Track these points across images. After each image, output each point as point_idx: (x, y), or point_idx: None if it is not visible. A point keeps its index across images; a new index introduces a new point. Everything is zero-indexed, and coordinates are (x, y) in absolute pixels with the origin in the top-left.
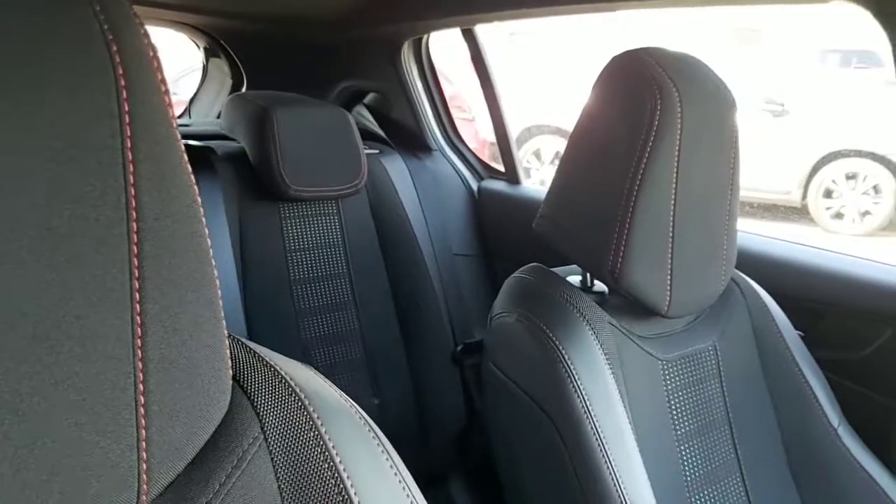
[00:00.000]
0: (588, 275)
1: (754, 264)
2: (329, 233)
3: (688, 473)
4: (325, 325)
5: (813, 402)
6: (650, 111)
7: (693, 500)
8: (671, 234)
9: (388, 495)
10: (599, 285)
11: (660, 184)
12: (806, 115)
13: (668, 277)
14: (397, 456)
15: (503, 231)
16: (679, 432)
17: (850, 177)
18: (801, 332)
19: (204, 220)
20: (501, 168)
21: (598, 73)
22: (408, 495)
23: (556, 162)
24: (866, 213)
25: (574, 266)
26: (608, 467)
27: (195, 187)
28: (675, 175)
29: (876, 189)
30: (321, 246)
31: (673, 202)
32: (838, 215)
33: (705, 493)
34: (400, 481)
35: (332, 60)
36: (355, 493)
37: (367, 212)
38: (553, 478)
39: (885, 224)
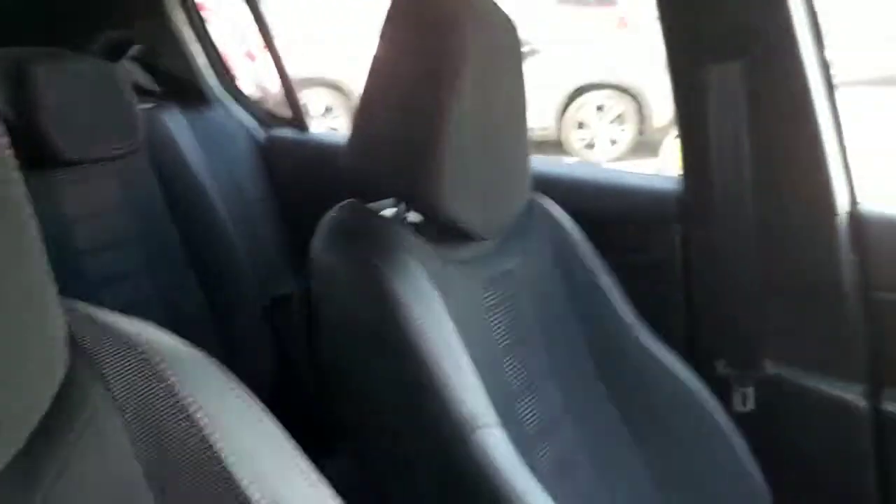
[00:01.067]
0: (401, 206)
1: (546, 185)
2: (111, 197)
3: (511, 383)
4: (120, 297)
5: (611, 307)
6: (446, 40)
7: (517, 407)
8: (478, 156)
9: (252, 437)
10: (413, 216)
11: (464, 109)
12: (552, 53)
13: (480, 199)
14: (254, 396)
15: (296, 179)
16: (501, 346)
17: (599, 109)
18: (594, 243)
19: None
20: (288, 115)
21: (387, 10)
22: (274, 436)
23: (328, 116)
24: (614, 141)
25: (385, 201)
26: (446, 383)
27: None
28: (477, 100)
29: (620, 118)
30: (105, 212)
31: (477, 124)
32: (590, 145)
33: (527, 400)
34: (260, 421)
35: (86, 9)
36: (218, 438)
37: (149, 171)
38: (398, 402)
39: (630, 149)
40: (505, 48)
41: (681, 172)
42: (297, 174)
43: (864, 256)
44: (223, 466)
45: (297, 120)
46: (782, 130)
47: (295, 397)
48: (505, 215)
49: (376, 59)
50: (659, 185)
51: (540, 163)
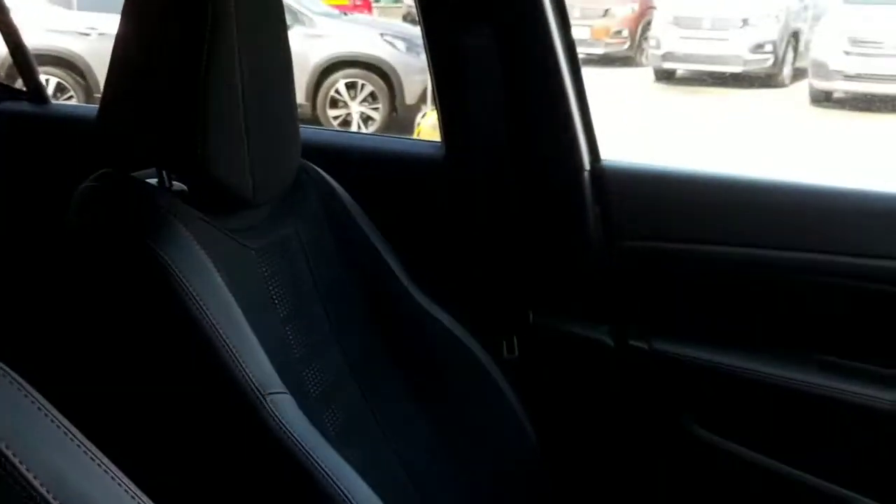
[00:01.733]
0: (165, 174)
1: (312, 153)
2: None
3: (294, 351)
4: None
5: (386, 268)
6: (201, 2)
7: (302, 374)
8: (244, 121)
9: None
10: (177, 185)
11: (226, 72)
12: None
13: (248, 163)
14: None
15: (36, 157)
16: (282, 315)
17: (351, 87)
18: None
19: None
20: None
21: None
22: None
23: (61, 97)
24: (368, 118)
25: (146, 171)
26: (231, 354)
27: None
28: (239, 62)
29: (373, 96)
30: None
31: (241, 89)
32: (346, 122)
33: (312, 366)
34: (52, 421)
35: None
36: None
37: None
38: (182, 376)
39: (384, 126)
40: (268, 12)
41: (441, 137)
42: (36, 150)
43: (607, 208)
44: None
45: (34, 91)
46: (533, 92)
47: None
48: (277, 181)
49: (126, 20)
50: (422, 149)
51: (304, 131)
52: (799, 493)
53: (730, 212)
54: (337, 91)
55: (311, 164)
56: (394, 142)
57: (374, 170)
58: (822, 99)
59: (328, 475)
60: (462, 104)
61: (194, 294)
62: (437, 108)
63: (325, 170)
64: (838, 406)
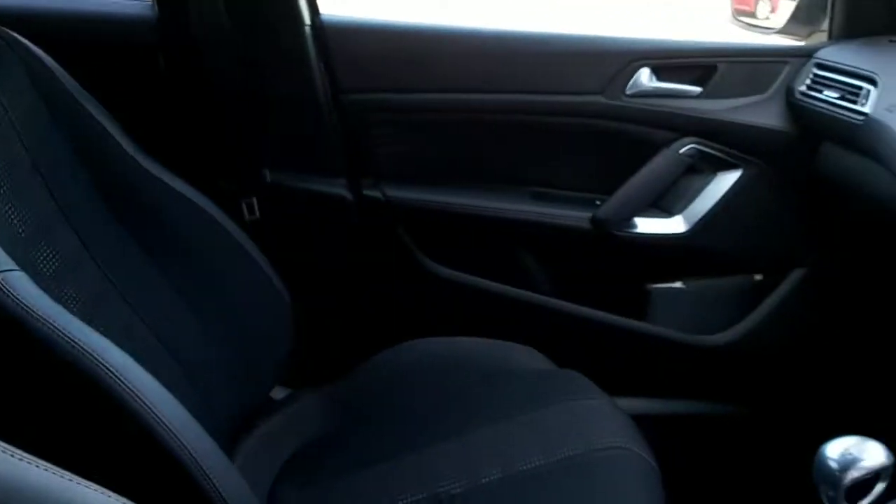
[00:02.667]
0: None
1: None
2: None
3: (18, 230)
4: None
5: (110, 139)
6: None
7: (30, 253)
8: None
9: None
10: None
11: None
12: None
13: None
14: None
15: None
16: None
17: None
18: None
19: None
20: None
21: None
22: None
23: None
24: None
25: None
26: None
27: None
28: None
29: None
30: None
31: None
32: None
33: (39, 245)
34: None
35: None
36: None
37: None
38: None
39: None
40: None
41: None
42: None
43: (329, 62)
44: None
45: None
46: None
47: None
48: None
49: None
50: (131, 11)
51: None
52: (519, 308)
53: (445, 60)
54: None
55: (7, 31)
56: (99, 2)
57: (79, 32)
58: None
59: (84, 350)
60: None
61: None
62: None
63: (24, 36)
64: (548, 229)
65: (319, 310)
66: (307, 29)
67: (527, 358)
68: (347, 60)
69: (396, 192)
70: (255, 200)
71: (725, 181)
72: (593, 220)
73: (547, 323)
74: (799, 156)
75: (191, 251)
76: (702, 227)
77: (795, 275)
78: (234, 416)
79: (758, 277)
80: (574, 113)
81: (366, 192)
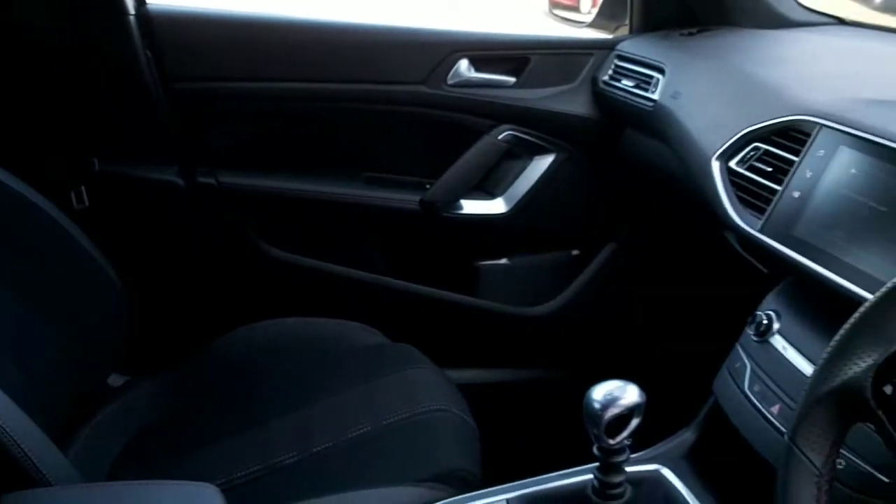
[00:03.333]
0: None
1: None
2: None
3: None
4: None
5: None
6: None
7: None
8: None
9: None
10: None
11: None
12: None
13: None
14: None
15: None
16: None
17: None
18: None
19: None
20: None
21: None
22: None
23: None
24: None
25: None
26: None
27: None
28: None
29: None
30: None
31: None
32: None
33: None
34: None
35: None
36: None
37: None
38: None
39: None
40: None
41: None
42: None
43: (157, 52)
44: None
45: None
46: None
47: None
48: None
49: None
50: None
51: None
52: (354, 287)
53: (274, 50)
54: None
55: None
56: None
57: None
58: None
59: None
60: None
61: None
62: None
63: None
64: (380, 212)
65: (155, 296)
66: (131, 19)
67: (362, 334)
68: (178, 49)
69: (230, 179)
70: (83, 189)
71: (541, 165)
72: (422, 203)
73: (381, 300)
74: (605, 140)
75: (17, 242)
76: (521, 208)
77: (608, 248)
78: (69, 404)
79: (575, 252)
80: (399, 101)
81: (199, 178)
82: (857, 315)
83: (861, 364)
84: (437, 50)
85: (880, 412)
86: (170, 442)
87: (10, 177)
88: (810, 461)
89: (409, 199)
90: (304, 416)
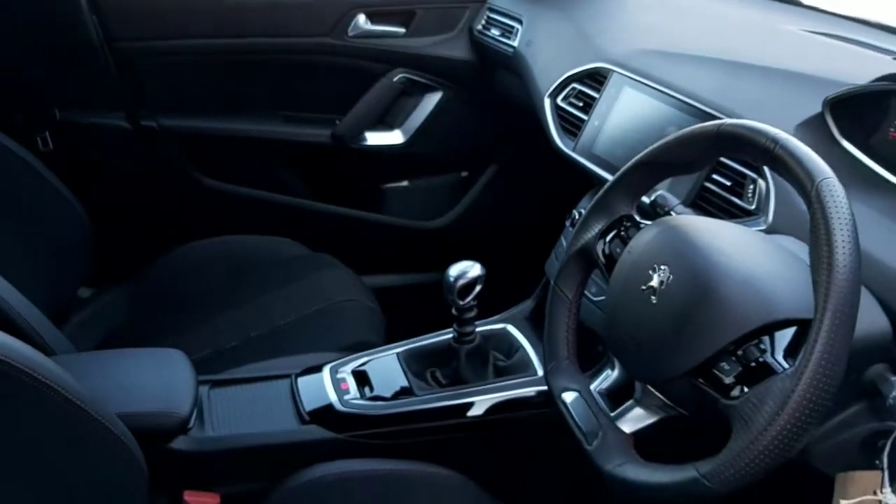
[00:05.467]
0: None
1: None
2: None
3: None
4: None
5: None
6: None
7: None
8: None
9: None
10: None
11: None
12: None
13: None
14: None
15: None
16: None
17: None
18: None
19: None
20: None
21: None
22: None
23: None
24: None
25: None
26: None
27: None
28: None
29: None
30: None
31: None
32: None
33: None
34: None
35: None
36: None
37: None
38: None
39: None
40: None
41: None
42: None
43: (102, 17)
44: None
45: None
46: None
47: None
48: None
49: None
50: None
51: None
52: (279, 209)
53: (202, 10)
54: None
55: None
56: None
57: None
58: None
59: None
60: None
61: None
62: None
63: None
64: (298, 146)
65: (112, 222)
66: None
67: (287, 247)
68: (120, 13)
69: (169, 122)
70: (48, 134)
71: (430, 101)
72: (333, 136)
73: (303, 220)
74: (482, 80)
75: None
76: (416, 138)
77: (491, 170)
78: (47, 312)
79: (464, 174)
80: (308, 52)
81: (143, 122)
82: (595, 198)
83: (593, 231)
84: (338, 6)
85: (602, 262)
86: (137, 337)
87: None
88: (565, 295)
89: (322, 134)
90: (242, 310)
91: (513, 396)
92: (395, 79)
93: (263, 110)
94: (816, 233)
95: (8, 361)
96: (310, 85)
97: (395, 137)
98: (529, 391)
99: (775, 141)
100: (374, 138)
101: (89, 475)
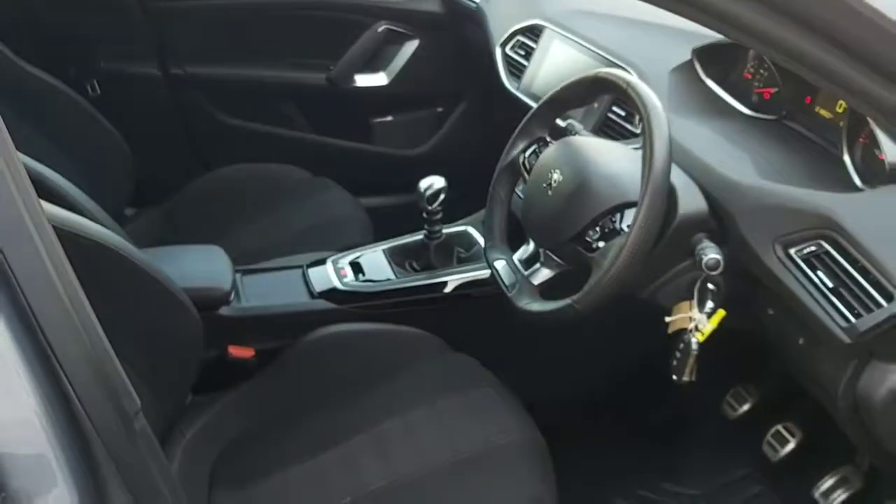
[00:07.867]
0: None
1: None
2: None
3: None
4: None
5: None
6: None
7: None
8: None
9: None
10: None
11: None
12: None
13: None
14: None
15: None
16: None
17: None
18: None
19: None
20: None
21: None
22: None
23: None
24: None
25: None
26: None
27: None
28: None
29: None
30: None
31: None
32: None
33: None
34: None
35: None
36: None
37: None
38: None
39: None
40: None
41: None
42: None
43: None
44: None
45: None
46: None
47: None
48: None
49: None
50: None
51: None
52: (288, 141)
53: None
54: None
55: None
56: None
57: None
58: None
59: None
60: None
61: None
62: None
63: None
64: (302, 88)
65: (149, 153)
66: None
67: (294, 173)
68: None
69: (193, 69)
70: (96, 82)
71: (409, 48)
72: (328, 79)
73: (306, 150)
74: (454, 30)
75: (51, 119)
76: (399, 79)
77: (461, 106)
78: None
79: (439, 109)
80: (308, 7)
81: (171, 70)
82: (519, 126)
83: (518, 148)
84: None
85: (524, 170)
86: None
87: (46, 75)
88: (499, 195)
89: (319, 77)
90: (261, 224)
91: (471, 278)
92: (380, 30)
93: (271, 58)
94: (645, 144)
95: (107, 245)
96: (309, 37)
97: (380, 79)
98: (483, 273)
99: (627, 83)
100: (363, 80)
101: (169, 327)
